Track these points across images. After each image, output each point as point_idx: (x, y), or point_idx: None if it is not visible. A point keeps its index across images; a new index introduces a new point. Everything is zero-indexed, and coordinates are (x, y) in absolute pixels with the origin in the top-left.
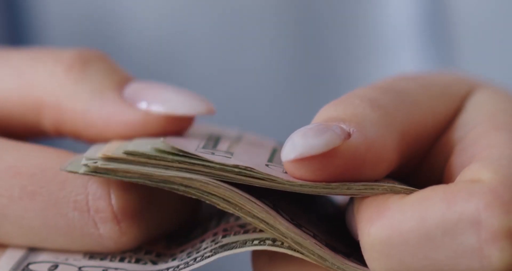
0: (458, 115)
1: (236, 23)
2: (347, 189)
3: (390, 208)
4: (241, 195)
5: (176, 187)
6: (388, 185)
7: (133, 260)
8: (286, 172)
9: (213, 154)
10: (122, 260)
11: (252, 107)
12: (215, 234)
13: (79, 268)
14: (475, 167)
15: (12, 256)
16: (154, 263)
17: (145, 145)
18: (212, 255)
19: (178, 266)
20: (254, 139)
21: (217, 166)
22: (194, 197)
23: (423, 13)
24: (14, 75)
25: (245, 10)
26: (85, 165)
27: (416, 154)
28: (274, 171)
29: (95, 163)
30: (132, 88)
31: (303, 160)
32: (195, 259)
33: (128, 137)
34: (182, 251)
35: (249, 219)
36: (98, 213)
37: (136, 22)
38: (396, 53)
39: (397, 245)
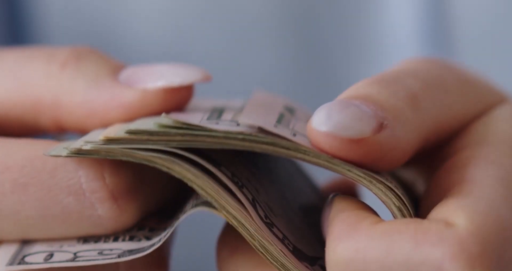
0: (475, 122)
1: (238, 25)
2: (348, 170)
3: (360, 231)
4: (217, 187)
5: (158, 166)
6: (385, 184)
7: (127, 238)
8: (295, 135)
9: (217, 124)
10: (116, 239)
11: None
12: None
13: (75, 253)
14: (452, 206)
15: (7, 251)
16: (148, 238)
17: (148, 123)
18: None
19: (165, 234)
20: (262, 97)
21: (221, 134)
22: (177, 176)
23: (423, 16)
24: (10, 77)
25: (246, 12)
26: (65, 148)
27: (427, 149)
28: (282, 133)
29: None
30: (127, 73)
31: (329, 136)
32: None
33: (130, 119)
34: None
35: (223, 212)
36: (94, 193)
37: (138, 23)
38: (397, 56)
39: (358, 270)
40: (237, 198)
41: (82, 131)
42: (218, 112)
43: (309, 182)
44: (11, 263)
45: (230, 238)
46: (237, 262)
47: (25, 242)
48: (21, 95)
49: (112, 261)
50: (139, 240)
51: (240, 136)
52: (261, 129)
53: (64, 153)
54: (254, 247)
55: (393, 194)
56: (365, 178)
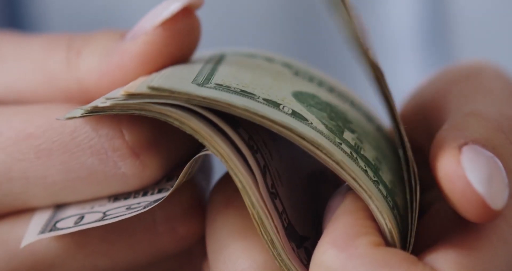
0: None
1: (236, 27)
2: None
3: (355, 249)
4: (228, 149)
5: (171, 120)
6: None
7: (156, 191)
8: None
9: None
10: (145, 194)
11: None
12: None
13: (104, 212)
14: (450, 260)
15: (40, 219)
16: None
17: (173, 80)
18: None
19: (184, 173)
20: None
21: (241, 107)
22: (188, 132)
23: (423, 15)
24: (36, 70)
25: (247, 12)
26: (80, 109)
27: None
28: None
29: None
30: (132, 30)
31: (481, 201)
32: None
33: (150, 69)
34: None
35: (231, 172)
36: (115, 152)
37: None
38: (396, 62)
39: None
40: (248, 163)
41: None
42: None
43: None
44: (43, 231)
45: (228, 188)
46: (228, 217)
47: (59, 206)
48: (50, 88)
49: (137, 213)
50: (167, 190)
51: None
52: None
53: (79, 113)
54: (250, 214)
55: (388, 215)
56: (365, 192)
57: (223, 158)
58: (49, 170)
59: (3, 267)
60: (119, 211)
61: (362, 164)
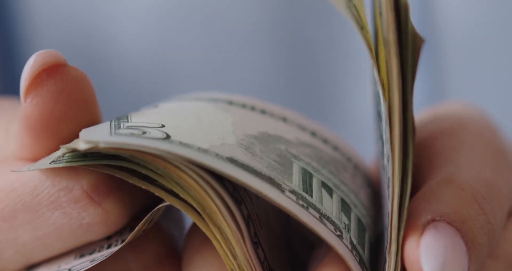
0: None
1: (231, 33)
2: None
3: None
4: (219, 202)
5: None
6: None
7: (119, 242)
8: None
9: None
10: (109, 246)
11: None
12: None
13: (69, 269)
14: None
15: None
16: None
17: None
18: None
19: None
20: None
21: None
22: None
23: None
24: None
25: (239, 19)
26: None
27: None
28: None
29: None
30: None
31: None
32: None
33: (58, 120)
34: None
35: (204, 227)
36: (77, 203)
37: (125, 33)
38: None
39: None
40: (234, 215)
41: None
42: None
43: None
44: None
45: (197, 236)
46: (206, 256)
47: (28, 268)
48: None
49: (99, 261)
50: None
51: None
52: None
53: (45, 165)
54: (228, 264)
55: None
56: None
57: (207, 211)
58: (17, 231)
59: None
60: (84, 265)
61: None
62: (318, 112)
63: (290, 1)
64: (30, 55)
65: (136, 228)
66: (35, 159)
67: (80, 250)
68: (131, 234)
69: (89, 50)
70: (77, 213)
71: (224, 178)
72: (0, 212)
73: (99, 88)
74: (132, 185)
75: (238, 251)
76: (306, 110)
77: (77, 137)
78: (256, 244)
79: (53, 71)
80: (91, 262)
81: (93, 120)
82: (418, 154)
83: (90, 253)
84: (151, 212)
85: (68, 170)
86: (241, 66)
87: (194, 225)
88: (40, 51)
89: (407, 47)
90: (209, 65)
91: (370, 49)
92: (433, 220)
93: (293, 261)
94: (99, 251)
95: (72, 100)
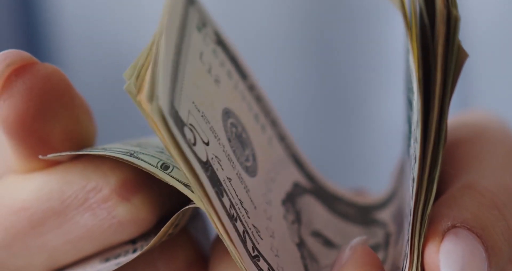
0: None
1: (248, 33)
2: None
3: None
4: (216, 218)
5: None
6: None
7: (145, 247)
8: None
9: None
10: (135, 251)
11: None
12: None
13: None
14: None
15: None
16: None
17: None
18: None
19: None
20: None
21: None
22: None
23: None
24: None
25: (256, 20)
26: None
27: None
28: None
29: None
30: None
31: None
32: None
33: (35, 118)
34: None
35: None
36: (107, 202)
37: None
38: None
39: None
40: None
41: None
42: None
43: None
44: None
45: (222, 244)
46: (230, 265)
47: None
48: None
49: (120, 265)
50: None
51: None
52: None
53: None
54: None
55: None
56: None
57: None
58: (46, 236)
59: None
60: (109, 268)
61: None
62: (344, 114)
63: (316, 5)
64: (54, 50)
65: (162, 229)
66: (27, 167)
67: (105, 254)
68: (157, 235)
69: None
70: (107, 212)
71: (223, 192)
72: (27, 219)
73: (125, 96)
74: (157, 185)
75: (238, 261)
76: (333, 112)
77: (62, 132)
78: (256, 257)
79: (21, 71)
80: (116, 265)
81: (75, 113)
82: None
83: (116, 257)
84: (176, 214)
85: (95, 171)
86: (268, 70)
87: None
88: (4, 52)
89: (452, 59)
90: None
91: (415, 51)
92: (454, 226)
93: (306, 259)
94: (125, 255)
95: (45, 96)
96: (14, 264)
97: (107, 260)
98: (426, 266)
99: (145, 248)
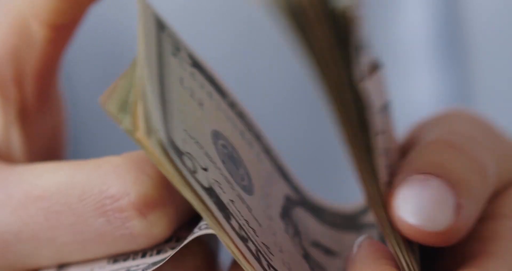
0: (507, 189)
1: (252, 36)
2: (400, 251)
3: None
4: (228, 240)
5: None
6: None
7: (155, 252)
8: None
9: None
10: (144, 256)
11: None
12: None
13: None
14: None
15: None
16: (174, 249)
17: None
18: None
19: (178, 247)
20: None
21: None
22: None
23: (437, 26)
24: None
25: (260, 24)
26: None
27: None
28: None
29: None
30: None
31: (419, 230)
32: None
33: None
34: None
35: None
36: (122, 213)
37: None
38: (410, 67)
39: None
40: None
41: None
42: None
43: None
44: None
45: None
46: None
47: (60, 267)
48: (13, 24)
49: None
50: (166, 251)
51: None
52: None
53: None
54: None
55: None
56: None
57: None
58: (58, 231)
59: None
60: None
61: None
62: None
63: None
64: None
65: (178, 248)
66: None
67: (114, 256)
68: (173, 252)
69: (117, 57)
70: (121, 222)
71: (230, 216)
72: (44, 210)
73: None
74: (175, 197)
75: None
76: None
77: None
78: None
79: None
80: (126, 269)
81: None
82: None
83: (124, 259)
84: (190, 239)
85: (117, 179)
86: (265, 68)
87: (232, 268)
88: None
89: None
90: (232, 69)
91: None
92: (406, 176)
93: (314, 269)
94: (134, 259)
95: None
96: (20, 251)
97: (115, 261)
98: (395, 224)
99: (157, 263)
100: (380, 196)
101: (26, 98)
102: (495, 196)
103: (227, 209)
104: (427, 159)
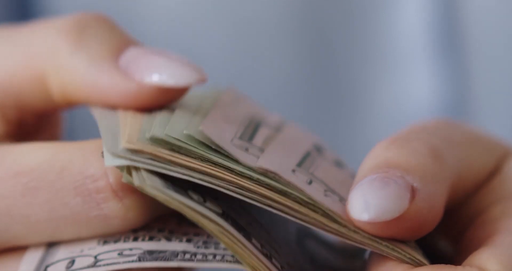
0: (493, 177)
1: (250, 33)
2: (392, 250)
3: None
4: (255, 259)
5: (191, 219)
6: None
7: (147, 238)
8: (310, 182)
9: (247, 150)
10: (135, 239)
11: None
12: None
13: (95, 256)
14: (485, 254)
15: (30, 261)
16: (168, 239)
17: (176, 127)
18: (232, 261)
19: (195, 254)
20: (293, 132)
21: (239, 169)
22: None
23: (435, 24)
24: (17, 51)
25: (259, 23)
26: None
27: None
28: (297, 182)
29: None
30: (128, 56)
31: (373, 223)
32: (214, 255)
33: (125, 106)
34: (196, 234)
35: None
36: (99, 193)
37: (149, 27)
38: (407, 66)
39: None
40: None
41: (86, 104)
42: (252, 129)
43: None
44: None
45: None
46: None
47: (49, 246)
48: (28, 67)
49: (133, 265)
50: (159, 240)
51: (261, 177)
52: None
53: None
54: None
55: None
56: (404, 255)
57: (250, 266)
58: (33, 208)
59: None
60: (111, 256)
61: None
62: (339, 112)
63: (313, 3)
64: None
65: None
66: None
67: (104, 236)
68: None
69: None
70: (97, 203)
71: (250, 236)
72: (22, 186)
73: None
74: None
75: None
76: (327, 111)
77: None
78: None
79: (183, 91)
80: (119, 255)
81: None
82: None
83: (115, 241)
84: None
85: (98, 161)
86: (264, 66)
87: None
88: (199, 71)
89: None
90: (232, 65)
91: None
92: (361, 179)
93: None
94: (125, 241)
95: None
96: None
97: (105, 242)
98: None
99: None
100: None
101: (22, 126)
102: (483, 185)
103: (245, 230)
104: (370, 161)
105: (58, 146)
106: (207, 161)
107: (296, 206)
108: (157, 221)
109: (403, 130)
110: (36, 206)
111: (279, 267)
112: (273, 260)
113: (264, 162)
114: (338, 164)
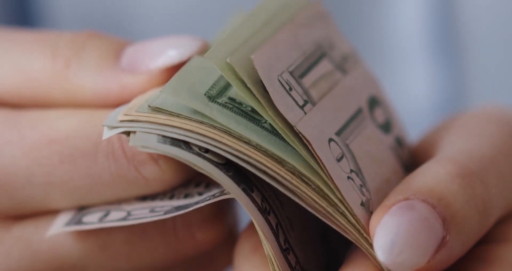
0: None
1: None
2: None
3: None
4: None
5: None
6: None
7: (182, 196)
8: (340, 158)
9: (290, 90)
10: (171, 197)
11: None
12: None
13: (128, 212)
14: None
15: (66, 214)
16: (200, 194)
17: (223, 49)
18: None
19: (214, 195)
20: (353, 76)
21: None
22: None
23: (433, 22)
24: (16, 72)
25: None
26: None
27: None
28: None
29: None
30: (127, 55)
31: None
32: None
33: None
34: None
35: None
36: (136, 157)
37: (145, 22)
38: (405, 63)
39: None
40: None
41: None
42: (312, 61)
43: None
44: (69, 223)
45: (255, 234)
46: (254, 264)
47: (80, 209)
48: (31, 92)
49: (158, 218)
50: (192, 196)
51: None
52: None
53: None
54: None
55: None
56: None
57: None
58: (72, 175)
59: (27, 267)
60: (143, 212)
61: None
62: None
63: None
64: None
65: (199, 203)
66: None
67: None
68: (197, 205)
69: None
70: (134, 166)
71: (253, 188)
72: (58, 153)
73: None
74: None
75: (269, 252)
76: None
77: None
78: (286, 250)
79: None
80: (150, 211)
81: None
82: (424, 145)
83: (153, 199)
84: (210, 202)
85: None
86: None
87: (247, 227)
88: (198, 39)
89: None
90: None
91: None
92: (406, 199)
93: (328, 254)
94: (161, 199)
95: None
96: (31, 194)
97: (144, 199)
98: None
99: (180, 208)
100: (356, 224)
101: None
102: (502, 220)
103: (251, 181)
104: (429, 184)
105: (91, 112)
106: (204, 123)
107: (305, 188)
108: (199, 174)
109: (470, 146)
110: (75, 172)
111: (273, 224)
112: (271, 215)
113: (303, 125)
114: (385, 128)
